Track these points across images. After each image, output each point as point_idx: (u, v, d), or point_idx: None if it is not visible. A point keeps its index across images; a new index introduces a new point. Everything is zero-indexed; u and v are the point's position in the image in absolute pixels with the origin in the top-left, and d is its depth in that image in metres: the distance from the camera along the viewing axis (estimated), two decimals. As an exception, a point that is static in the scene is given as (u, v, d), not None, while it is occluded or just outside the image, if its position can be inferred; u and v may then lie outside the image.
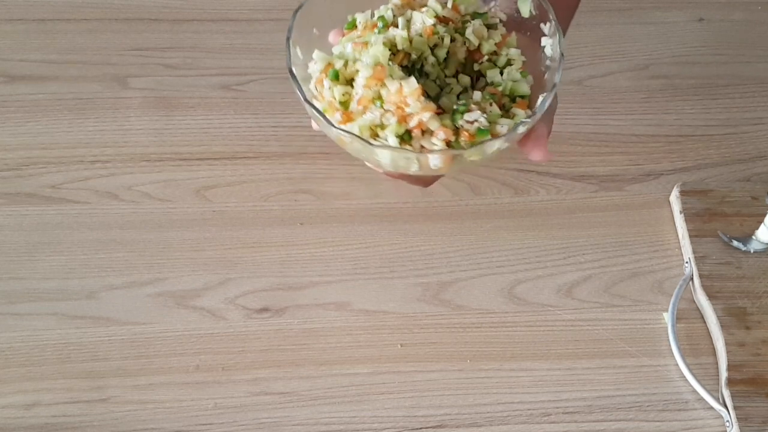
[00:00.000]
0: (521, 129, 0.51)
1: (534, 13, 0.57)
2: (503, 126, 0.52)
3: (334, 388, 0.64)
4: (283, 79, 0.56)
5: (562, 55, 0.54)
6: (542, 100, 0.52)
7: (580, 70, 0.81)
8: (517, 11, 0.58)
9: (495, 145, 0.51)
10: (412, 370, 0.65)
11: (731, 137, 0.77)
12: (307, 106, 0.52)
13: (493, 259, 0.70)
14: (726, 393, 0.63)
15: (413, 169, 0.53)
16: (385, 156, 0.51)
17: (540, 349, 0.66)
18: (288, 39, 0.54)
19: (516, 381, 0.65)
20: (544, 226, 0.72)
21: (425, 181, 0.60)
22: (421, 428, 0.63)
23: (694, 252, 0.69)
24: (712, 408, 0.64)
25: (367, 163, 0.57)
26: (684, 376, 0.65)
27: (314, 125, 0.56)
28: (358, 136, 0.51)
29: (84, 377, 0.64)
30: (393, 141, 0.51)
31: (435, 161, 0.51)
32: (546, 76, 0.55)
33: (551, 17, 0.55)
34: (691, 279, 0.69)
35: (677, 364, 0.65)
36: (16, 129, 0.75)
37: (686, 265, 0.70)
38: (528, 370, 0.65)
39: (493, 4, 0.58)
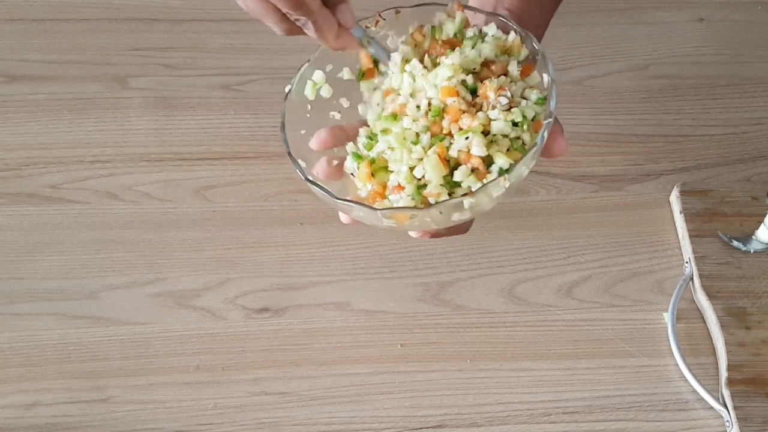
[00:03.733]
0: (545, 136, 0.50)
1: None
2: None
3: (334, 388, 0.64)
4: (283, 79, 0.56)
5: (544, 53, 0.53)
6: (553, 101, 0.51)
7: (580, 70, 0.81)
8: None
9: (525, 170, 0.51)
10: (412, 370, 0.65)
11: (731, 137, 0.77)
12: (338, 202, 0.51)
13: (493, 259, 0.70)
14: (726, 393, 0.63)
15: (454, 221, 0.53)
16: (428, 218, 0.51)
17: (540, 349, 0.66)
18: (289, 154, 0.53)
19: (516, 381, 0.65)
20: (544, 226, 0.72)
21: (464, 227, 0.59)
22: (421, 428, 0.63)
23: (694, 252, 0.69)
24: (712, 408, 0.64)
25: (409, 232, 0.56)
26: (684, 376, 0.65)
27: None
28: (401, 207, 0.51)
29: (84, 377, 0.64)
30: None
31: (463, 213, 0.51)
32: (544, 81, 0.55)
33: (532, 39, 0.54)
34: (691, 279, 0.69)
35: (677, 364, 0.65)
36: (16, 129, 0.75)
37: (686, 265, 0.70)
38: (528, 370, 0.65)
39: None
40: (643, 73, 0.81)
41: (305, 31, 0.51)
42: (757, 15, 0.85)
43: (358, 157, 0.54)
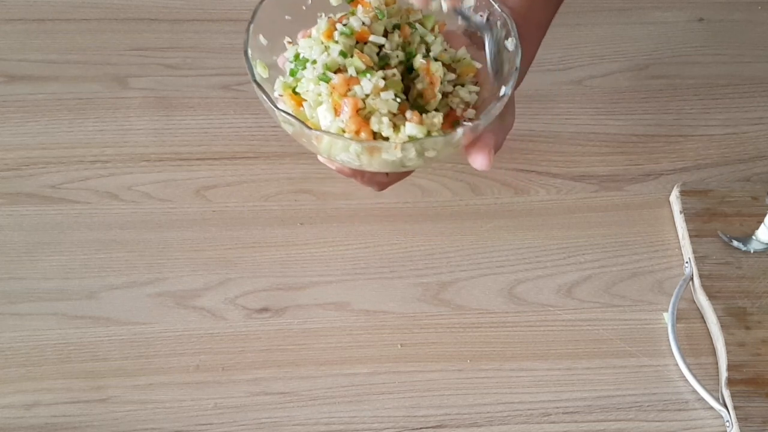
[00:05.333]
0: (460, 133, 0.51)
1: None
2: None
3: (334, 388, 0.64)
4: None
5: (516, 69, 0.54)
6: (488, 109, 0.52)
7: (580, 70, 0.81)
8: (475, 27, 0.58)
9: (430, 146, 0.51)
10: (412, 370, 0.65)
11: (731, 137, 0.77)
12: (257, 89, 0.52)
13: (493, 259, 0.70)
14: (726, 393, 0.63)
15: (345, 158, 0.53)
16: (323, 142, 0.51)
17: (540, 349, 0.66)
18: (249, 23, 0.54)
19: (516, 381, 0.65)
20: (544, 226, 0.72)
21: (378, 182, 0.60)
22: (421, 428, 0.63)
23: (694, 252, 0.69)
24: (712, 408, 0.64)
25: (319, 158, 0.57)
26: (684, 376, 0.65)
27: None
28: (300, 120, 0.51)
29: (84, 377, 0.64)
30: (329, 123, 0.52)
31: (356, 148, 0.51)
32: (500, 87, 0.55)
33: (513, 33, 0.55)
34: (691, 279, 0.69)
35: (677, 364, 0.65)
36: (16, 129, 0.75)
37: (686, 265, 0.70)
38: (528, 370, 0.65)
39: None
40: (643, 73, 0.81)
41: None
42: (757, 15, 0.85)
43: (293, 72, 0.55)
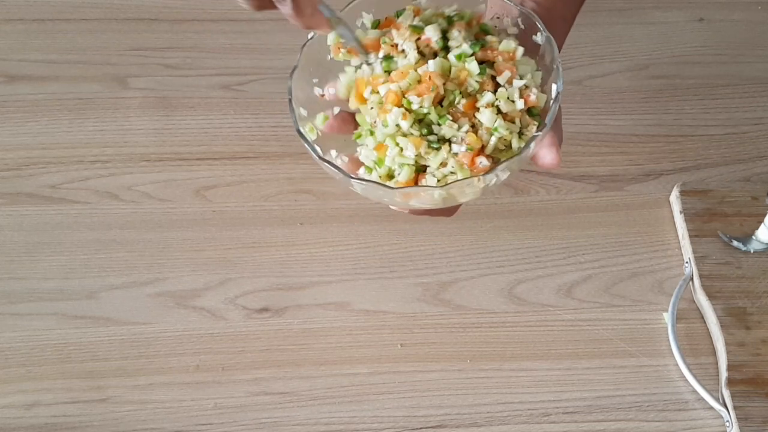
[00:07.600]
0: (532, 147, 0.51)
1: (522, 26, 0.56)
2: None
3: (334, 388, 0.64)
4: (283, 79, 0.56)
5: (558, 62, 0.53)
6: (550, 113, 0.52)
7: (580, 70, 0.81)
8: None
9: (507, 167, 0.51)
10: (412, 370, 0.65)
11: (731, 137, 0.77)
12: (323, 164, 0.52)
13: (493, 259, 0.70)
14: (726, 393, 0.63)
15: (427, 204, 0.53)
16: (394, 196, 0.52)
17: (540, 349, 0.66)
18: (290, 101, 0.54)
19: (516, 381, 0.65)
20: (544, 226, 0.72)
21: (449, 210, 0.60)
22: (421, 428, 0.63)
23: (694, 252, 0.69)
24: (712, 408, 0.64)
25: (391, 207, 0.57)
26: (684, 376, 0.65)
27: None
28: (374, 181, 0.52)
29: (84, 377, 0.64)
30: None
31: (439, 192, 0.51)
32: (547, 86, 0.55)
33: (540, 28, 0.55)
34: (691, 279, 0.69)
35: (677, 364, 0.65)
36: (16, 129, 0.75)
37: (686, 265, 0.70)
38: (528, 370, 0.65)
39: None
40: (643, 73, 0.81)
41: (279, 6, 0.48)
42: (757, 15, 0.85)
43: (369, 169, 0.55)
